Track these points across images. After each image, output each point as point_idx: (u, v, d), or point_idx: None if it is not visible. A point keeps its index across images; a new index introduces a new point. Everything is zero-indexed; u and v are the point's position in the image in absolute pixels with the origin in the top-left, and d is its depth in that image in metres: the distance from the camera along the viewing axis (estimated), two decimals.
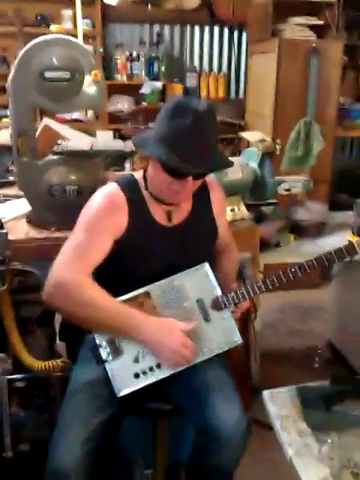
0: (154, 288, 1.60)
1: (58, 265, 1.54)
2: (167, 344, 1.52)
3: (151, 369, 1.57)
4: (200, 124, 1.46)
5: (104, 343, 1.57)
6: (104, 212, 1.59)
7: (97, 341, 1.57)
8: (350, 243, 1.63)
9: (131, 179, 1.69)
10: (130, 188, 1.65)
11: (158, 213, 1.66)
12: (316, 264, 1.62)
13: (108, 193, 1.63)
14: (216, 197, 1.79)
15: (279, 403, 1.66)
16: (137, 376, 1.56)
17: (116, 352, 1.57)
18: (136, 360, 1.57)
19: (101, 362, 1.57)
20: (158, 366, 1.57)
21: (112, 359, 1.56)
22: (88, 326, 1.58)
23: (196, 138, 1.46)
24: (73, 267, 1.52)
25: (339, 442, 1.40)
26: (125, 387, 1.56)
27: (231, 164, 1.60)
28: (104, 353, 1.57)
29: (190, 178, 1.52)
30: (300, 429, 1.52)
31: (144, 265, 1.62)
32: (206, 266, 1.64)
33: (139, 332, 1.52)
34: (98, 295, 1.52)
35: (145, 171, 1.66)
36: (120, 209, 1.60)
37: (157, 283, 1.60)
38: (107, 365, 1.57)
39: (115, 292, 1.56)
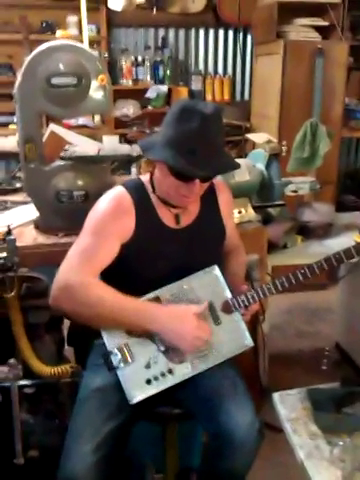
0: (163, 292, 1.60)
1: (64, 269, 1.54)
2: (181, 330, 1.51)
3: (163, 375, 1.56)
4: (207, 127, 1.45)
5: (115, 350, 1.56)
6: (111, 215, 1.59)
7: (108, 348, 1.57)
8: (359, 243, 1.63)
9: (138, 182, 1.69)
10: (137, 191, 1.65)
11: (166, 216, 1.66)
12: (325, 265, 1.62)
13: (115, 196, 1.63)
14: (224, 199, 1.80)
15: (289, 405, 1.65)
16: (149, 382, 1.55)
17: (127, 358, 1.56)
18: (148, 366, 1.56)
19: (112, 369, 1.56)
20: (170, 372, 1.56)
21: (123, 366, 1.56)
22: (98, 325, 1.57)
23: (203, 141, 1.46)
24: (79, 270, 1.52)
25: (350, 444, 1.39)
26: (137, 394, 1.54)
27: (238, 166, 1.60)
28: (115, 360, 1.56)
29: (197, 181, 1.52)
30: (311, 431, 1.52)
31: (152, 268, 1.62)
32: (216, 269, 1.64)
33: (151, 323, 1.51)
34: (105, 293, 1.52)
35: (152, 175, 1.66)
36: (127, 212, 1.60)
37: (166, 287, 1.60)
38: (118, 372, 1.56)
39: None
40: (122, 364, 1.56)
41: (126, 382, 1.55)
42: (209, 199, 1.74)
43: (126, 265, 1.61)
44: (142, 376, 1.56)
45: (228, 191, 1.84)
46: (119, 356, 1.56)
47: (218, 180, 1.82)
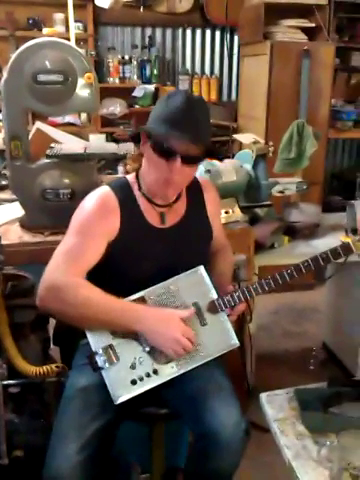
0: (149, 293, 1.59)
1: (50, 269, 1.53)
2: (166, 334, 1.51)
3: (148, 375, 1.56)
4: (190, 104, 1.51)
5: (100, 350, 1.55)
6: (96, 215, 1.58)
7: (93, 348, 1.56)
8: (346, 243, 1.63)
9: (123, 181, 1.69)
10: (122, 190, 1.65)
11: (151, 215, 1.66)
12: (312, 265, 1.62)
13: (100, 196, 1.62)
14: (210, 197, 1.79)
15: (276, 406, 1.65)
16: (134, 383, 1.55)
17: (112, 359, 1.55)
18: (133, 367, 1.56)
19: (97, 369, 1.55)
20: (155, 372, 1.56)
21: (108, 366, 1.55)
22: (85, 325, 1.57)
23: (186, 115, 1.50)
24: (65, 270, 1.52)
25: (338, 444, 1.39)
26: (122, 394, 1.54)
27: (222, 153, 1.61)
28: (100, 360, 1.55)
29: (178, 160, 1.51)
30: (298, 432, 1.52)
31: (138, 268, 1.61)
32: (201, 269, 1.63)
33: (137, 323, 1.51)
34: (91, 293, 1.51)
35: (137, 173, 1.67)
36: (112, 211, 1.60)
37: (152, 288, 1.59)
38: (103, 372, 1.55)
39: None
40: (107, 364, 1.55)
41: (111, 382, 1.54)
42: (195, 198, 1.74)
43: (111, 265, 1.60)
44: (127, 376, 1.55)
45: (214, 190, 1.84)
46: (104, 356, 1.55)
47: (204, 178, 1.83)
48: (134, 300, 1.57)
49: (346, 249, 1.62)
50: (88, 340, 1.57)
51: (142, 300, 1.58)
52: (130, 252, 1.61)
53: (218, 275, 1.74)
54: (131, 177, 1.70)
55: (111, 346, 1.56)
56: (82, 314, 1.50)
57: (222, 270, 1.82)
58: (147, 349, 1.56)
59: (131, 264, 1.61)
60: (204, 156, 1.60)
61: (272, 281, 1.62)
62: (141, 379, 1.55)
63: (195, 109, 1.52)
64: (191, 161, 1.56)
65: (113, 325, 1.54)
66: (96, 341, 1.56)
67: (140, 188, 1.65)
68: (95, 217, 1.58)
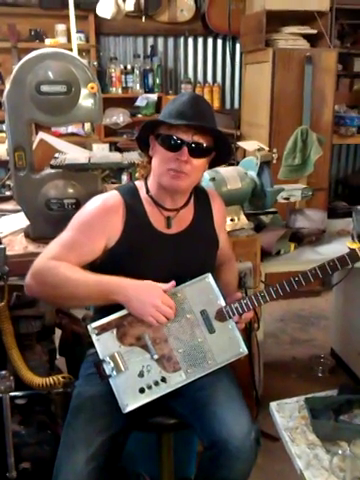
0: None
1: (38, 257, 1.56)
2: (145, 300, 1.51)
3: (156, 383, 1.54)
4: (196, 98, 1.60)
5: (107, 358, 1.54)
6: (97, 213, 1.60)
7: (100, 356, 1.55)
8: (353, 250, 1.62)
9: (131, 186, 1.71)
10: (129, 193, 1.66)
11: (157, 219, 1.66)
12: (319, 273, 1.60)
13: (105, 196, 1.65)
14: (217, 207, 1.80)
15: (287, 414, 1.63)
16: (142, 391, 1.54)
17: (120, 367, 1.54)
18: (141, 375, 1.55)
19: (105, 377, 1.54)
20: (163, 380, 1.55)
21: (116, 374, 1.54)
22: (71, 304, 1.63)
23: (193, 106, 1.55)
24: (49, 255, 1.55)
25: (350, 453, 1.37)
26: (131, 403, 1.53)
27: (228, 140, 1.67)
28: (108, 368, 1.54)
29: (185, 151, 1.53)
30: (309, 440, 1.50)
31: (141, 270, 1.60)
32: (209, 277, 1.62)
33: (115, 294, 1.52)
34: (70, 271, 1.53)
35: (146, 178, 1.69)
36: (116, 212, 1.61)
37: None
38: (111, 380, 1.54)
39: (116, 305, 1.54)
40: (115, 372, 1.53)
41: (119, 391, 1.53)
42: (203, 207, 1.75)
43: (115, 267, 1.59)
44: (135, 385, 1.54)
45: (221, 202, 1.84)
46: (112, 364, 1.54)
47: (211, 190, 1.84)
48: None
49: (354, 257, 1.61)
50: (95, 349, 1.56)
51: None
52: (133, 254, 1.61)
53: (225, 285, 1.73)
54: (139, 183, 1.71)
55: (119, 354, 1.55)
56: (65, 293, 1.52)
57: (229, 280, 1.82)
58: (155, 357, 1.55)
59: (134, 266, 1.60)
60: (212, 149, 1.62)
61: (280, 289, 1.61)
62: (149, 387, 1.54)
63: (200, 103, 1.58)
64: (199, 151, 1.57)
65: (93, 299, 1.56)
66: (103, 349, 1.55)
67: (148, 191, 1.66)
68: (96, 215, 1.59)
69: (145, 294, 1.52)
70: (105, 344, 1.56)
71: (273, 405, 1.69)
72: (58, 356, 2.32)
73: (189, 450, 2.01)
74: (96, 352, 1.56)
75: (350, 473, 1.30)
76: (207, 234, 1.76)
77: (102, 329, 1.56)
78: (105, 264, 1.60)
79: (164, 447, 1.79)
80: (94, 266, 1.62)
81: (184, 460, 1.98)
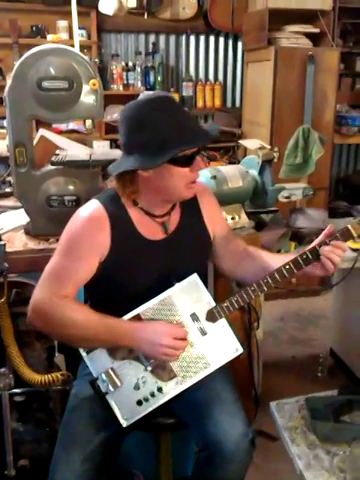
0: (144, 309, 1.55)
1: (37, 291, 1.53)
2: (154, 341, 1.49)
3: (152, 394, 1.54)
4: (175, 106, 1.52)
5: (102, 375, 1.53)
6: (85, 234, 1.54)
7: (94, 374, 1.54)
8: (346, 228, 1.54)
9: (112, 194, 1.62)
10: (112, 204, 1.59)
11: (145, 227, 1.61)
12: (310, 256, 1.54)
13: (89, 213, 1.57)
14: (206, 203, 1.74)
15: (286, 414, 1.63)
16: (140, 403, 1.54)
17: (115, 382, 1.53)
18: (137, 387, 1.54)
19: (102, 395, 1.53)
20: (159, 390, 1.54)
21: (113, 390, 1.53)
22: (74, 344, 1.57)
23: (180, 115, 1.50)
24: (51, 292, 1.50)
25: (350, 454, 1.37)
26: (130, 417, 1.53)
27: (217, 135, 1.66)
28: (103, 386, 1.53)
29: (199, 159, 1.53)
30: (309, 441, 1.49)
31: (133, 282, 1.58)
32: (195, 277, 1.58)
33: (124, 339, 1.51)
34: (77, 314, 1.49)
35: (130, 193, 1.59)
36: (102, 229, 1.55)
37: (146, 304, 1.55)
38: (108, 397, 1.53)
39: (109, 313, 1.52)
40: (111, 388, 1.53)
41: (118, 407, 1.53)
42: (189, 206, 1.69)
43: (106, 280, 1.57)
44: (132, 398, 1.54)
45: (209, 193, 1.79)
46: (107, 381, 1.53)
47: (197, 184, 1.77)
48: (130, 319, 1.55)
49: (346, 234, 1.54)
50: (90, 368, 1.55)
51: (138, 318, 1.55)
52: (123, 266, 1.57)
53: (268, 268, 1.62)
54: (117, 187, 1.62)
55: (112, 369, 1.54)
56: (69, 334, 1.51)
57: (266, 263, 1.67)
58: (149, 368, 1.54)
59: (126, 279, 1.58)
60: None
61: (270, 280, 1.55)
62: (146, 399, 1.54)
63: (180, 108, 1.54)
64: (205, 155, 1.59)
65: (101, 343, 1.54)
66: (96, 367, 1.55)
67: (136, 204, 1.60)
68: (83, 236, 1.54)
69: (152, 335, 1.49)
70: (97, 361, 1.55)
71: (273, 405, 1.69)
72: (57, 353, 2.31)
73: (187, 450, 2.01)
74: (91, 372, 1.55)
75: (350, 474, 1.29)
76: (196, 234, 1.70)
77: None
78: (97, 276, 1.57)
79: (162, 447, 1.79)
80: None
81: (182, 460, 1.98)
